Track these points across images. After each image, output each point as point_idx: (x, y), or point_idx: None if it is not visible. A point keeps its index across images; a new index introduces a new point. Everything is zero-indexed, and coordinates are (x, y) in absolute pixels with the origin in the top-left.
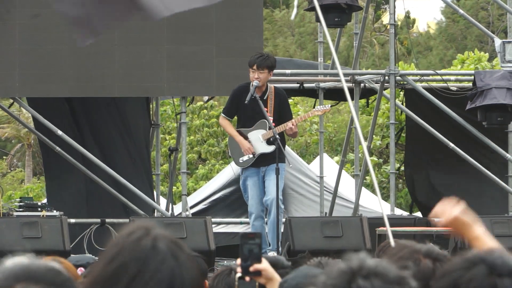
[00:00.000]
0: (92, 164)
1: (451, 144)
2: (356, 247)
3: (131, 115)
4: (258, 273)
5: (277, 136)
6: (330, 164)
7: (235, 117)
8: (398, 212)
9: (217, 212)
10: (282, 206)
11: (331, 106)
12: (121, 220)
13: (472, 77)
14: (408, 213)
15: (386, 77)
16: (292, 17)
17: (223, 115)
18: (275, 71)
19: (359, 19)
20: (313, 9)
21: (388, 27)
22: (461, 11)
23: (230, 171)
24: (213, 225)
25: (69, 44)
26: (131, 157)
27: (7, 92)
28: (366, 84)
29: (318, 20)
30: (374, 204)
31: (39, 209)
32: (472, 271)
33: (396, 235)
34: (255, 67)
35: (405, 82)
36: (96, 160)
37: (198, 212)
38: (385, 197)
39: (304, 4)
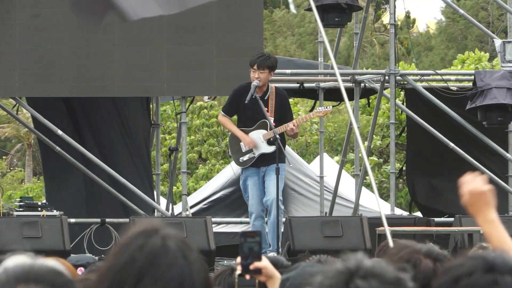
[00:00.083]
0: (92, 164)
1: (451, 144)
2: (356, 247)
3: (131, 115)
4: (258, 271)
5: (278, 136)
6: (330, 164)
7: (235, 117)
8: (398, 212)
9: (217, 212)
10: (282, 207)
11: (331, 106)
12: (121, 220)
13: (472, 77)
14: (408, 213)
15: (386, 77)
16: (292, 8)
17: (222, 113)
18: (275, 71)
19: (359, 19)
20: None
21: (388, 27)
22: (461, 11)
23: (230, 171)
24: (213, 225)
25: (69, 44)
26: (131, 157)
27: (7, 92)
28: (366, 84)
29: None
30: (374, 204)
31: (39, 209)
32: (472, 268)
33: (396, 235)
34: (255, 67)
35: (405, 82)
36: (96, 159)
37: (198, 212)
38: (385, 197)
39: (304, 4)
